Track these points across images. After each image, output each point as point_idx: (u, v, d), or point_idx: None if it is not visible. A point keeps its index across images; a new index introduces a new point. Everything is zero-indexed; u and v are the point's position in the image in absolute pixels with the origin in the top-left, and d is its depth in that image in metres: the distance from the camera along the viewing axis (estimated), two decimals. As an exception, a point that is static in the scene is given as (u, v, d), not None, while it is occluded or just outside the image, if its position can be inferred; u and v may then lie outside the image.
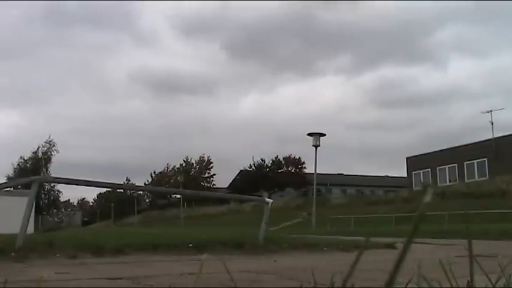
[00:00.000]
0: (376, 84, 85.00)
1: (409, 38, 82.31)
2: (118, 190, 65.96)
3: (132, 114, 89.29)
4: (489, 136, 37.20)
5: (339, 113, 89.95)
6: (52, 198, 59.31)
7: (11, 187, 22.79)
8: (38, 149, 56.59)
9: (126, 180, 64.84)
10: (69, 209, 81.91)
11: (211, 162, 65.94)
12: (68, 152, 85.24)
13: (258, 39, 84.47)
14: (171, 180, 63.80)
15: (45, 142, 56.72)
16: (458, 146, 39.83)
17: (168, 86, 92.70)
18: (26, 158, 57.29)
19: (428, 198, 0.50)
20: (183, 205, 49.97)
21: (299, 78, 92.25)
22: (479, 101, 74.08)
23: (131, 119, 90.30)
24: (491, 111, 37.40)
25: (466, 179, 37.00)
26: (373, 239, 7.14)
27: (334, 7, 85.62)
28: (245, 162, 58.25)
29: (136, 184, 49.54)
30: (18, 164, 57.11)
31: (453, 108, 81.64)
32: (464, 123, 74.79)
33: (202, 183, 63.08)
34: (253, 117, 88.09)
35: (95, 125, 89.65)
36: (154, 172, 69.22)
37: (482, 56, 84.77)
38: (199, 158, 66.11)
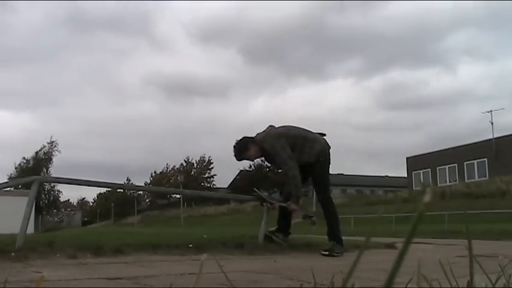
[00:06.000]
0: (385, 87, 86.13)
1: (420, 42, 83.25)
2: (118, 190, 65.95)
3: (144, 116, 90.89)
4: (490, 136, 37.25)
5: (347, 115, 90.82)
6: (52, 198, 59.37)
7: (11, 187, 22.77)
8: (41, 149, 56.76)
9: (127, 180, 64.87)
10: (69, 209, 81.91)
11: (212, 163, 66.01)
12: (75, 152, 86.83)
13: (273, 44, 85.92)
14: (171, 180, 63.82)
15: (47, 143, 56.88)
16: (458, 146, 39.81)
17: (182, 89, 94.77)
18: (27, 158, 57.42)
19: (427, 198, 0.50)
20: (183, 205, 49.97)
21: (310, 82, 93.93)
22: (486, 104, 74.49)
23: (143, 121, 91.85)
24: (491, 111, 37.47)
25: (466, 179, 36.98)
26: (373, 239, 7.14)
27: (346, 11, 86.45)
28: (245, 163, 58.29)
29: (137, 184, 49.50)
30: (19, 164, 57.22)
31: (460, 110, 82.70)
32: (470, 125, 75.41)
33: (202, 183, 63.10)
34: (262, 119, 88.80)
35: (106, 126, 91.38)
36: (155, 172, 69.28)
37: (491, 60, 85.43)
38: (200, 158, 66.19)
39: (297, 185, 5.60)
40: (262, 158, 6.30)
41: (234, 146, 5.86)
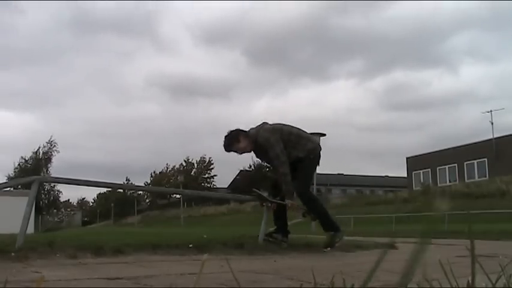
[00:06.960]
0: (387, 87, 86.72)
1: (422, 44, 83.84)
2: (118, 190, 65.96)
3: (146, 117, 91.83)
4: (490, 136, 37.25)
5: (349, 116, 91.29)
6: (52, 198, 59.36)
7: (11, 187, 22.78)
8: (38, 149, 56.77)
9: (126, 180, 64.86)
10: (69, 209, 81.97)
11: (212, 163, 66.01)
12: (77, 153, 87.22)
13: (276, 45, 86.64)
14: (171, 180, 63.84)
15: (46, 142, 56.89)
16: (458, 146, 39.80)
17: (186, 90, 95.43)
18: (26, 158, 57.41)
19: (445, 206, 0.50)
20: (183, 205, 49.97)
21: (313, 83, 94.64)
22: (488, 104, 74.70)
23: (145, 121, 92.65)
24: (491, 111, 37.49)
25: (466, 179, 36.99)
26: (373, 239, 7.14)
27: (349, 12, 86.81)
28: (245, 163, 58.35)
29: (137, 184, 49.50)
30: (18, 164, 57.20)
31: (462, 111, 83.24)
32: (471, 125, 75.70)
33: (202, 183, 63.12)
34: (264, 120, 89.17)
35: (108, 127, 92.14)
36: (154, 172, 69.27)
37: (493, 61, 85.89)
38: (200, 158, 66.21)
39: (287, 181, 5.55)
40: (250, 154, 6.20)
41: (225, 137, 5.77)
